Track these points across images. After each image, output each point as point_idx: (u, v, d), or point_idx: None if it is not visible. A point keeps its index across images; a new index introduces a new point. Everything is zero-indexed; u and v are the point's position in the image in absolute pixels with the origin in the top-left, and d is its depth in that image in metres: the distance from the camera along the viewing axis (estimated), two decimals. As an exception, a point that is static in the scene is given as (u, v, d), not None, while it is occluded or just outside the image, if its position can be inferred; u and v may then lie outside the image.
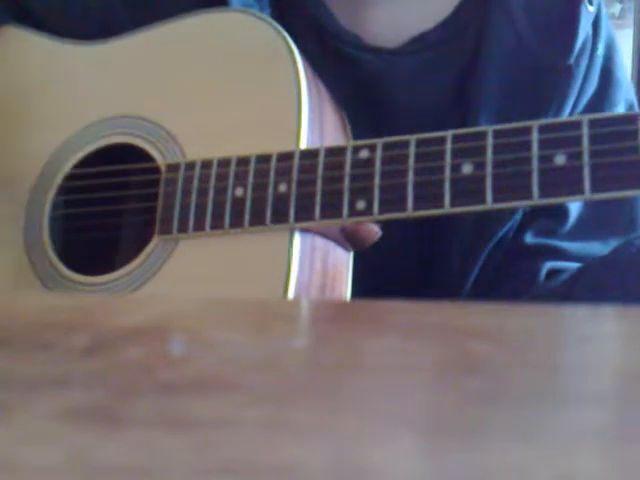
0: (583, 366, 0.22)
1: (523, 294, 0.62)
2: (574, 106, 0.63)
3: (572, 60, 0.62)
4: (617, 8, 1.99)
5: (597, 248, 0.64)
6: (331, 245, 0.56)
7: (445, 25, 0.63)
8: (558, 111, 0.62)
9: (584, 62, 0.63)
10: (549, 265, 0.64)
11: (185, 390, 0.18)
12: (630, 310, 0.29)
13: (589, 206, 0.65)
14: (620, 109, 0.67)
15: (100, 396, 0.18)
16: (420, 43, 0.63)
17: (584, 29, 0.63)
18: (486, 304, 0.29)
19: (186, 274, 0.55)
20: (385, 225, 0.55)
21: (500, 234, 0.64)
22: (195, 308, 0.30)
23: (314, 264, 0.54)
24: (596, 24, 0.65)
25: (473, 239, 0.63)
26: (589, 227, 0.65)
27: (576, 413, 0.17)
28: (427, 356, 0.22)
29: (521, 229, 0.65)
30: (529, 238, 0.65)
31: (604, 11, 0.67)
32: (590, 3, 0.63)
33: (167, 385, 0.19)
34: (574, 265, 0.63)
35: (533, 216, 0.64)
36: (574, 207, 0.65)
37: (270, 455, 0.14)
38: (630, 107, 0.68)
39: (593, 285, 0.57)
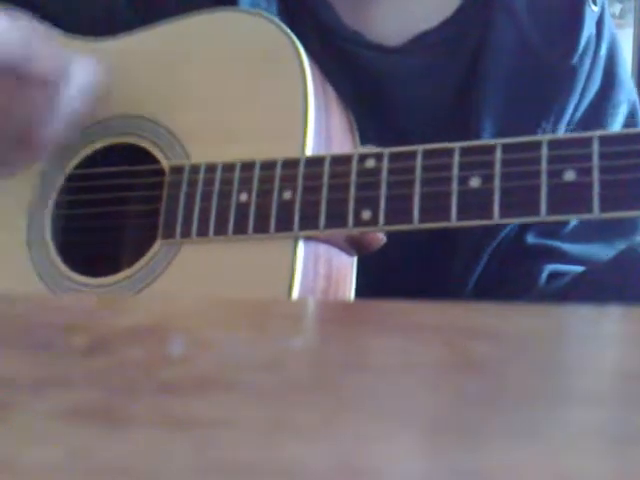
0: (583, 366, 0.22)
1: (523, 297, 0.62)
2: (577, 106, 0.63)
3: (575, 60, 0.62)
4: (617, 8, 1.99)
5: (600, 250, 0.64)
6: (335, 250, 0.56)
7: (448, 24, 0.63)
8: (561, 111, 0.62)
9: (587, 62, 0.63)
10: (550, 268, 0.64)
11: (185, 390, 0.18)
12: (630, 310, 0.29)
13: None
14: (622, 110, 0.66)
15: (100, 396, 0.18)
16: (423, 41, 0.63)
17: (588, 29, 0.63)
18: (486, 304, 0.29)
19: (188, 279, 0.55)
20: None
21: (502, 235, 0.64)
22: (195, 308, 0.30)
23: (318, 270, 0.54)
24: (600, 24, 0.64)
25: (476, 240, 0.63)
26: (591, 228, 0.65)
27: (576, 413, 0.17)
28: (428, 356, 0.22)
29: (523, 229, 0.65)
30: (530, 238, 0.65)
31: (607, 11, 0.67)
32: (594, 3, 0.63)
33: (167, 385, 0.19)
34: (575, 268, 0.63)
35: None
36: None
37: (270, 455, 0.14)
38: (632, 108, 0.68)
39: (594, 290, 0.57)
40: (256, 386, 0.19)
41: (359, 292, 0.57)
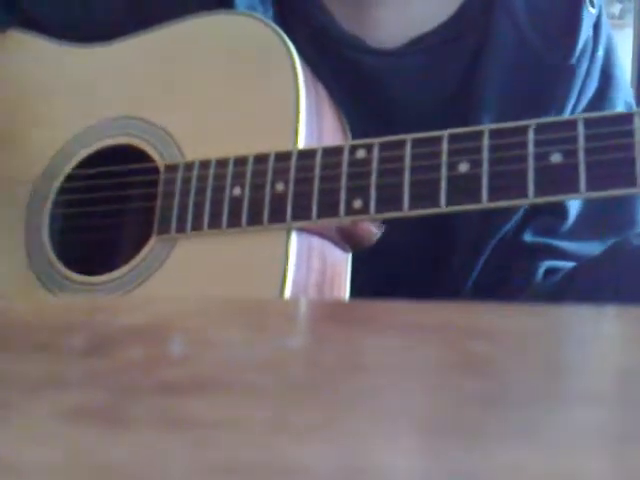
0: (583, 366, 0.22)
1: (519, 293, 0.62)
2: (574, 106, 0.64)
3: (573, 61, 0.62)
4: (617, 8, 1.99)
5: (596, 247, 0.64)
6: (329, 245, 0.56)
7: (447, 26, 0.63)
8: (559, 111, 0.62)
9: (585, 63, 0.63)
10: (547, 264, 0.64)
11: (185, 390, 0.18)
12: (630, 310, 0.29)
13: (589, 205, 0.65)
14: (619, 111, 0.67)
15: (100, 396, 0.18)
16: (422, 43, 0.63)
17: (586, 30, 0.63)
18: (486, 304, 0.29)
19: (184, 274, 0.55)
20: (387, 223, 0.55)
21: (502, 232, 0.64)
22: (195, 308, 0.30)
23: (312, 263, 0.54)
24: (597, 26, 0.65)
25: (475, 237, 0.63)
26: (589, 226, 0.65)
27: (576, 413, 0.17)
28: (427, 356, 0.22)
29: (521, 227, 0.65)
30: (528, 236, 0.65)
31: (604, 13, 0.67)
32: (592, 5, 0.63)
33: (167, 385, 0.19)
34: (571, 264, 0.63)
35: (533, 214, 0.65)
36: (573, 206, 0.65)
37: (270, 455, 0.14)
38: (628, 109, 0.68)
39: (588, 284, 0.57)
40: (256, 386, 0.19)
41: (359, 290, 0.57)
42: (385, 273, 0.62)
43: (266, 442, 0.15)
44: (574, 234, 0.65)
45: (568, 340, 0.26)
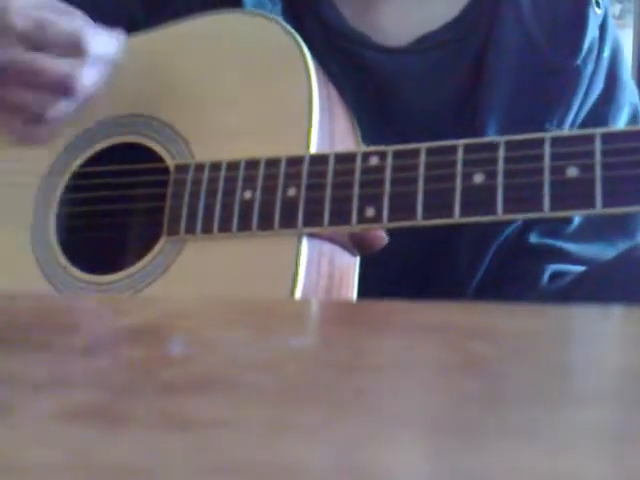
0: (583, 366, 0.22)
1: (525, 296, 0.62)
2: (580, 107, 0.63)
3: (579, 61, 0.62)
4: (617, 8, 1.99)
5: (602, 250, 0.64)
6: (338, 249, 0.56)
7: (454, 24, 0.63)
8: (565, 111, 0.62)
9: (591, 63, 0.63)
10: (552, 268, 0.64)
11: (185, 390, 0.18)
12: (630, 311, 0.29)
13: None
14: (624, 112, 0.67)
15: (100, 396, 0.18)
16: (428, 42, 0.63)
17: (592, 31, 0.63)
18: (486, 304, 0.29)
19: (192, 275, 0.55)
20: None
21: (506, 233, 0.64)
22: (196, 308, 0.30)
23: (321, 268, 0.54)
24: (603, 27, 0.65)
25: (481, 236, 0.63)
26: (593, 228, 0.65)
27: (576, 413, 0.17)
28: (428, 356, 0.22)
29: (526, 228, 0.65)
30: (533, 238, 0.65)
31: (610, 14, 0.67)
32: (598, 6, 0.63)
33: (167, 385, 0.19)
34: (578, 268, 0.63)
35: None
36: None
37: (271, 455, 0.14)
38: (634, 110, 0.68)
39: (596, 289, 0.57)
40: (256, 386, 0.19)
41: (364, 291, 0.57)
42: (390, 274, 0.62)
43: (266, 442, 0.15)
44: (579, 236, 0.65)
45: (568, 340, 0.26)
